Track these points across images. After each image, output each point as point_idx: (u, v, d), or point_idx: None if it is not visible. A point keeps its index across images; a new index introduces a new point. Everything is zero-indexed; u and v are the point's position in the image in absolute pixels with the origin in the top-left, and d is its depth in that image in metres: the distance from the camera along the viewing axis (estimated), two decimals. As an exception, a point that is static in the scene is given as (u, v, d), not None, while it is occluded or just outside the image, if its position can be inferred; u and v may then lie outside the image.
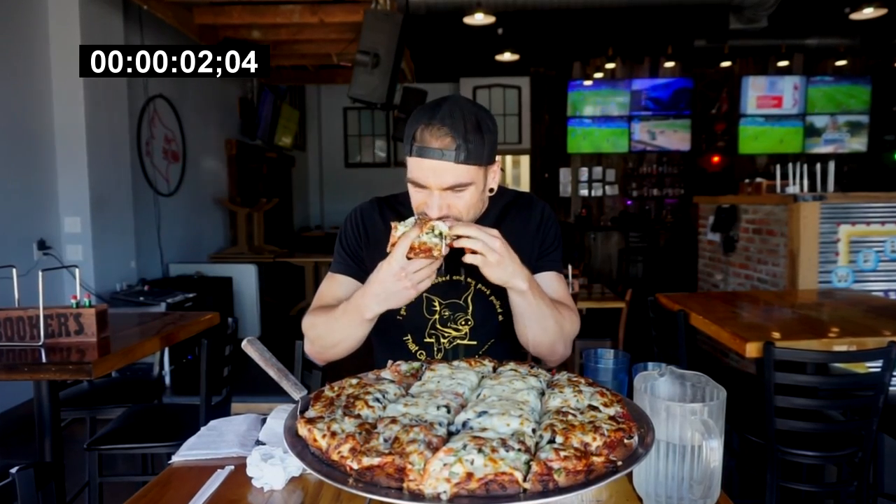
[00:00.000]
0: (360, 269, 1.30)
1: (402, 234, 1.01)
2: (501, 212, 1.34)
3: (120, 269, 4.43)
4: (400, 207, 1.36)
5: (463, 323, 1.30)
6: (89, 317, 1.94)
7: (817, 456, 1.94)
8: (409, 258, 0.99)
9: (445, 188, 1.13)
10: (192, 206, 5.74)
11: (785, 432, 1.92)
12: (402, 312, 1.30)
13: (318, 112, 9.76)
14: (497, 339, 1.32)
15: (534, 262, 1.33)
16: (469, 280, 1.30)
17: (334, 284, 1.31)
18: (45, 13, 3.90)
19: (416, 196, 1.18)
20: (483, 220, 1.29)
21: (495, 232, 1.06)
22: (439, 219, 1.08)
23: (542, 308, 1.16)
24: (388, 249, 1.05)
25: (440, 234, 0.98)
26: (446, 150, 1.10)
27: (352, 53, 4.60)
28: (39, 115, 3.87)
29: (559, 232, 1.38)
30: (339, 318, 1.15)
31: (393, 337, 1.32)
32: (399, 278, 1.02)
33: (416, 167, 1.14)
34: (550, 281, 1.34)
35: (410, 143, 1.14)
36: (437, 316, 1.30)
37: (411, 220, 1.02)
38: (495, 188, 1.26)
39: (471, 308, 1.30)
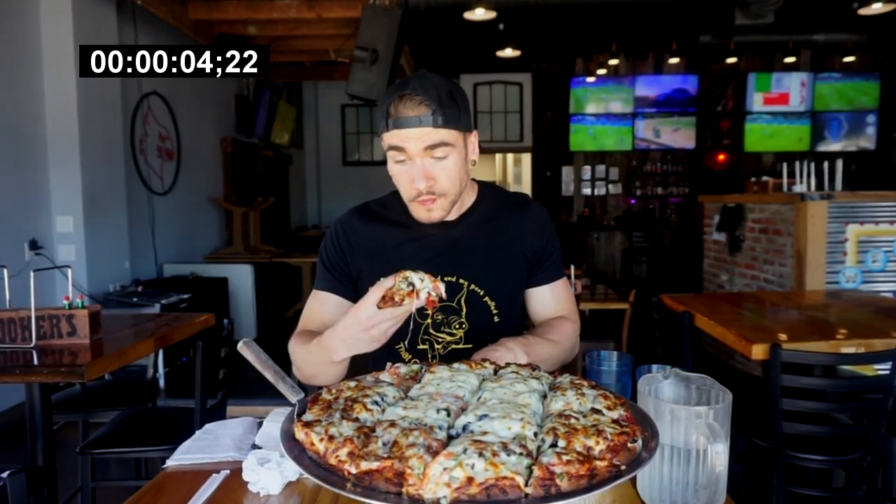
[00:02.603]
0: (343, 285, 1.29)
1: (378, 284, 0.99)
2: (495, 209, 1.32)
3: (113, 270, 4.39)
4: (380, 210, 1.34)
5: (457, 326, 1.26)
6: (82, 318, 1.92)
7: (825, 460, 1.93)
8: (379, 307, 0.97)
9: (426, 148, 1.13)
10: (186, 206, 5.69)
11: (792, 436, 1.90)
12: None
13: (315, 109, 9.71)
14: (492, 343, 1.25)
15: (527, 266, 1.31)
16: (462, 281, 1.26)
17: (318, 303, 1.29)
18: (37, 8, 3.85)
19: (398, 171, 1.18)
20: (476, 218, 1.30)
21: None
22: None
23: (542, 354, 1.16)
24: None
25: (411, 283, 0.96)
26: (423, 117, 1.12)
27: (350, 49, 4.58)
28: (31, 113, 3.82)
29: (555, 235, 1.35)
30: (312, 352, 1.12)
31: (384, 345, 1.25)
32: (366, 328, 0.98)
33: (396, 137, 1.14)
34: (556, 291, 1.34)
35: (385, 119, 1.14)
36: (429, 320, 1.27)
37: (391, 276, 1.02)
38: (476, 160, 1.26)
39: (464, 310, 1.26)
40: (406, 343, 1.26)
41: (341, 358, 1.06)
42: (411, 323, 1.24)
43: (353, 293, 1.28)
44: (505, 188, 1.43)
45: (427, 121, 1.11)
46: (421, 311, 1.24)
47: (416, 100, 1.11)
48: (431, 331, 1.27)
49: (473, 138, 1.22)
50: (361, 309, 0.97)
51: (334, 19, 4.92)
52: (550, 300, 1.33)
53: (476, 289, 1.26)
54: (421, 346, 1.27)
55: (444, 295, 0.98)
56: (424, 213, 1.21)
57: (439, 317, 1.26)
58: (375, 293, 0.96)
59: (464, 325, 1.26)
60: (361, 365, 1.31)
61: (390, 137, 1.15)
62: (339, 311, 1.25)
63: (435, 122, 1.11)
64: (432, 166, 1.15)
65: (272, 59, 5.93)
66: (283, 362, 1.18)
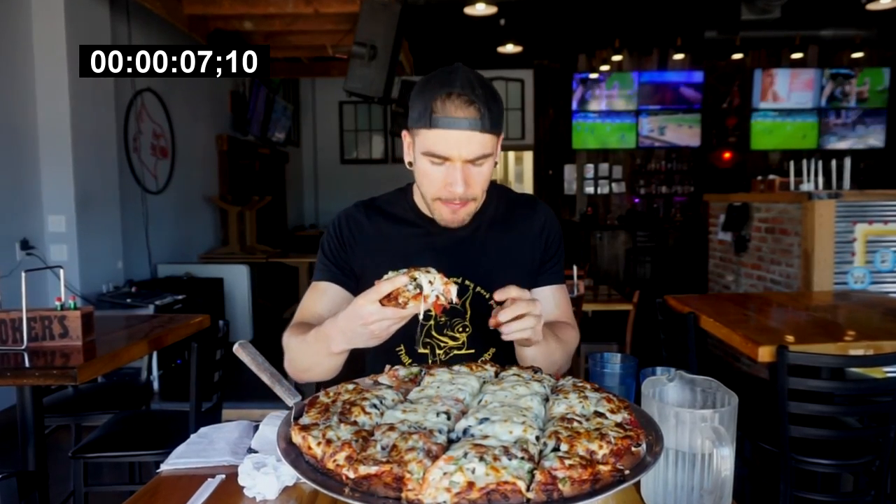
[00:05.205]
0: (346, 276, 1.26)
1: (387, 278, 0.94)
2: (504, 210, 1.31)
3: (106, 270, 4.35)
4: (386, 207, 1.31)
5: (460, 330, 1.25)
6: (74, 319, 1.91)
7: (833, 464, 1.92)
8: (383, 304, 0.93)
9: (469, 160, 1.11)
10: (181, 204, 5.65)
11: (799, 440, 1.89)
12: None
13: (312, 106, 9.67)
14: (496, 348, 1.26)
15: (535, 269, 1.29)
16: (468, 282, 1.23)
17: (317, 295, 1.26)
18: (28, 4, 3.82)
19: (432, 172, 1.14)
20: (486, 219, 1.28)
21: (527, 294, 1.02)
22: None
23: (551, 345, 1.14)
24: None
25: (418, 285, 0.92)
26: (473, 120, 1.08)
27: (348, 45, 4.54)
28: (22, 110, 3.79)
29: (562, 238, 1.34)
30: (310, 343, 1.08)
31: (384, 346, 1.23)
32: (366, 323, 0.94)
33: (440, 140, 1.10)
34: (554, 295, 1.31)
35: (428, 115, 1.09)
36: (432, 322, 1.25)
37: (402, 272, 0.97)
38: (499, 162, 1.22)
39: (469, 313, 1.23)
40: (406, 346, 1.24)
41: (340, 349, 1.03)
42: (418, 328, 1.22)
43: (355, 286, 1.25)
44: (510, 188, 1.42)
45: (475, 124, 1.08)
46: (426, 312, 1.20)
47: (465, 99, 1.07)
48: (434, 333, 1.24)
49: (500, 141, 1.21)
50: (364, 304, 0.93)
51: (332, 14, 4.88)
52: (551, 303, 1.29)
53: (482, 291, 1.23)
54: (422, 350, 1.24)
55: (455, 299, 0.93)
56: (450, 214, 1.18)
57: (443, 318, 1.24)
58: (382, 288, 0.91)
59: (467, 329, 1.24)
60: (360, 368, 1.30)
61: (434, 139, 1.10)
62: (338, 302, 1.22)
63: (483, 125, 1.08)
64: (471, 172, 1.13)
65: (268, 56, 5.89)
66: (280, 364, 1.19)
